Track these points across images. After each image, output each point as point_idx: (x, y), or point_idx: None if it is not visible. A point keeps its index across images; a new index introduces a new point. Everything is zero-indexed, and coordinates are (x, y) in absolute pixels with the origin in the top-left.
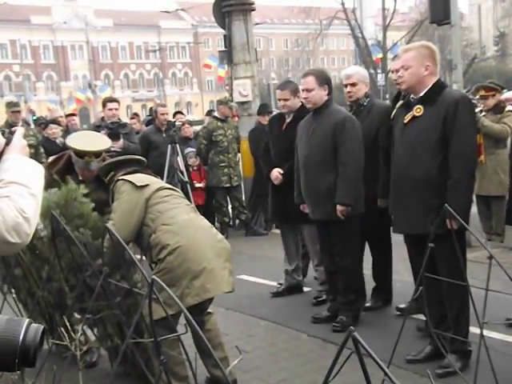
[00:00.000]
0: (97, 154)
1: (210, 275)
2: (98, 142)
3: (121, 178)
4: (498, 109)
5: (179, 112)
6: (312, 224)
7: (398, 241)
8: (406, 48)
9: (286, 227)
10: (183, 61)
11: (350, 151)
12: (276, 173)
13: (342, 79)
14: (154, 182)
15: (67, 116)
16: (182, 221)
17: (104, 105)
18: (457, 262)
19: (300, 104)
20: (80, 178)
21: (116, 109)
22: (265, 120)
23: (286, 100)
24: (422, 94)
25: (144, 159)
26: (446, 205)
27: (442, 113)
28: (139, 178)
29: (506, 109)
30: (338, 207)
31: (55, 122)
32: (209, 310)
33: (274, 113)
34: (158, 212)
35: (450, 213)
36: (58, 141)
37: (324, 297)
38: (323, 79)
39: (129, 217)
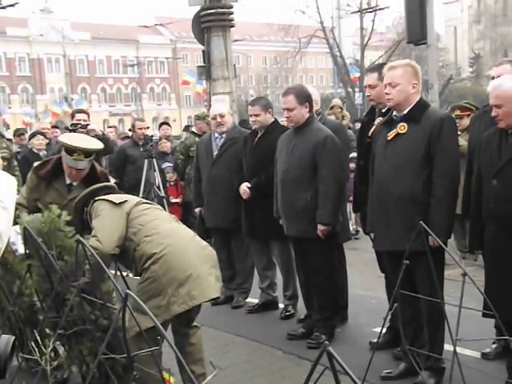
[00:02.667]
0: (86, 153)
1: (195, 282)
2: (90, 141)
3: (97, 198)
4: None
5: (165, 123)
6: (284, 241)
7: (371, 258)
8: (392, 66)
9: (257, 243)
10: (161, 76)
11: (331, 170)
12: (244, 187)
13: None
14: (131, 198)
15: (51, 127)
16: (164, 230)
17: (73, 116)
18: (433, 280)
19: (272, 120)
20: (67, 182)
21: (84, 120)
22: None
23: (256, 115)
24: (405, 112)
25: (115, 186)
26: (421, 222)
27: (427, 131)
28: (115, 197)
29: None
30: (319, 227)
31: (42, 133)
32: (196, 324)
33: None
34: (139, 225)
35: (426, 230)
36: (41, 153)
37: (292, 311)
38: (303, 97)
39: (112, 231)
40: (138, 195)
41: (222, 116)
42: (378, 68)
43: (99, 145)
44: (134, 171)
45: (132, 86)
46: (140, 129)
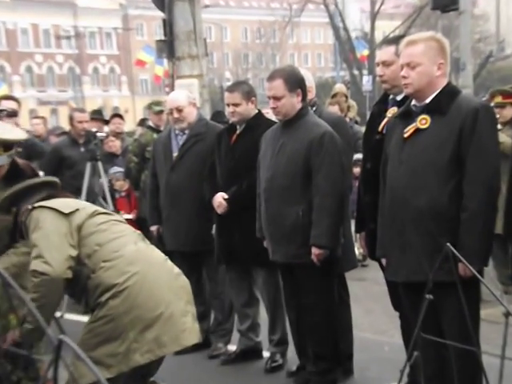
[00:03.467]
0: (5, 146)
1: (167, 324)
2: (9, 130)
3: (37, 205)
4: None
5: (117, 115)
6: (270, 269)
7: (383, 291)
8: (412, 40)
9: (234, 272)
10: (108, 52)
11: (329, 177)
12: (219, 199)
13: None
14: (84, 205)
15: None
16: (129, 253)
17: None
18: (465, 321)
19: (255, 112)
20: None
21: (12, 109)
22: None
23: (235, 105)
24: (428, 101)
25: (57, 181)
26: (448, 244)
27: (457, 126)
28: (63, 203)
29: None
30: (314, 250)
31: None
32: (153, 380)
33: None
34: (96, 245)
35: (455, 255)
36: None
37: (280, 361)
38: (295, 82)
39: (63, 250)
40: None
41: (179, 110)
42: (395, 40)
43: (21, 135)
44: (72, 177)
45: (68, 66)
46: (80, 122)
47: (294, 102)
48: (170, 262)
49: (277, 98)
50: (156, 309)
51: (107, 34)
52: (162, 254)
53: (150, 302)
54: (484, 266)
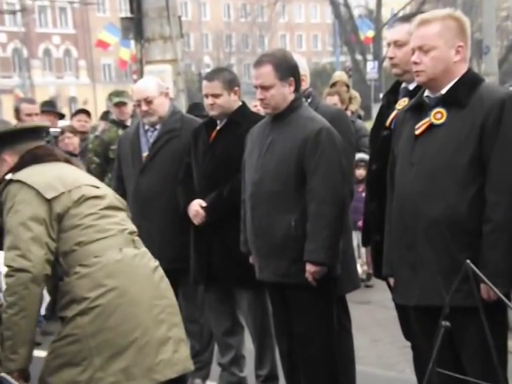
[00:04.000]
0: None
1: (140, 353)
2: None
3: (15, 178)
4: None
5: (83, 111)
6: (255, 290)
7: (391, 317)
8: (425, 18)
9: (214, 294)
10: (63, 31)
11: (326, 181)
12: (195, 207)
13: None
14: (72, 183)
15: None
16: (111, 262)
17: None
18: (490, 354)
19: (239, 104)
20: None
21: None
22: None
23: (215, 96)
24: (444, 91)
25: (47, 126)
26: (468, 261)
27: (478, 121)
28: (47, 181)
29: None
30: (309, 267)
31: None
32: None
33: None
34: (75, 244)
35: (476, 274)
36: None
37: None
38: (287, 69)
39: (41, 240)
40: None
41: (148, 102)
42: (410, 18)
43: None
44: None
45: (14, 47)
46: (29, 115)
47: (285, 93)
48: (158, 274)
49: (265, 88)
50: (130, 334)
51: (61, 10)
52: (152, 263)
53: (123, 326)
54: (511, 287)
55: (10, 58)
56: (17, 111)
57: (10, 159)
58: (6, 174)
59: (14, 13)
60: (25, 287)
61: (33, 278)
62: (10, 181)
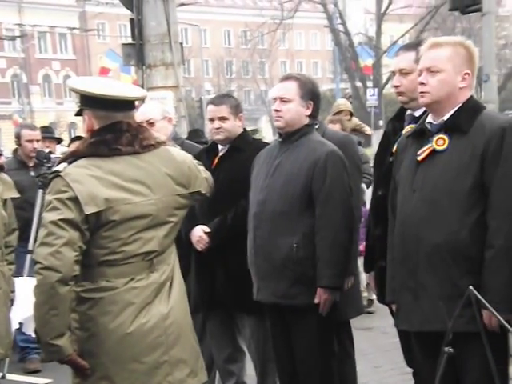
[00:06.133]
0: None
1: (130, 378)
2: None
3: (64, 175)
4: None
5: (79, 138)
6: (259, 316)
7: (393, 343)
8: (437, 42)
9: (216, 320)
10: (63, 57)
11: (340, 206)
12: (199, 232)
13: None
14: (117, 197)
15: None
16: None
17: None
18: (492, 380)
19: (242, 131)
20: None
21: None
22: None
23: (222, 120)
24: (446, 117)
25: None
26: (471, 287)
27: (479, 148)
28: (92, 191)
29: None
30: (322, 293)
31: None
32: None
33: None
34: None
35: (479, 300)
36: None
37: None
38: (310, 91)
39: (73, 242)
40: (25, 245)
41: (150, 124)
42: (415, 46)
43: None
44: (19, 207)
45: (13, 72)
46: (30, 141)
47: (301, 112)
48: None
49: (284, 101)
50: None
51: (61, 35)
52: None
53: (115, 349)
54: None
55: (9, 84)
56: (18, 137)
57: (89, 121)
58: (70, 157)
59: (13, 38)
60: (51, 286)
61: (61, 278)
62: (59, 174)
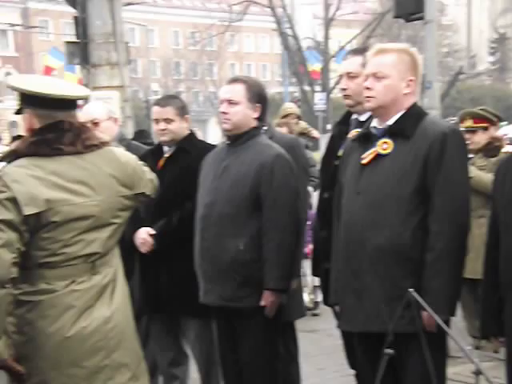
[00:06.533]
0: None
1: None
2: None
3: (4, 174)
4: (492, 149)
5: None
6: (203, 319)
7: (336, 345)
8: (383, 48)
9: (160, 323)
10: (3, 54)
11: (287, 209)
12: (143, 235)
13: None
14: (57, 198)
15: None
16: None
17: None
18: (430, 381)
19: (188, 132)
20: None
21: None
22: None
23: (168, 121)
24: (391, 122)
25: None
26: (411, 289)
27: (422, 152)
28: (31, 192)
29: (503, 150)
30: (268, 295)
31: None
32: None
33: None
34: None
35: (418, 302)
36: None
37: None
38: (257, 94)
39: (11, 244)
40: None
41: (94, 123)
42: (362, 51)
43: None
44: None
45: None
46: None
47: (248, 115)
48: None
49: (232, 103)
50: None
51: (2, 32)
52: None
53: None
54: (451, 315)
55: None
56: None
57: (30, 120)
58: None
59: None
60: None
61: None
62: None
